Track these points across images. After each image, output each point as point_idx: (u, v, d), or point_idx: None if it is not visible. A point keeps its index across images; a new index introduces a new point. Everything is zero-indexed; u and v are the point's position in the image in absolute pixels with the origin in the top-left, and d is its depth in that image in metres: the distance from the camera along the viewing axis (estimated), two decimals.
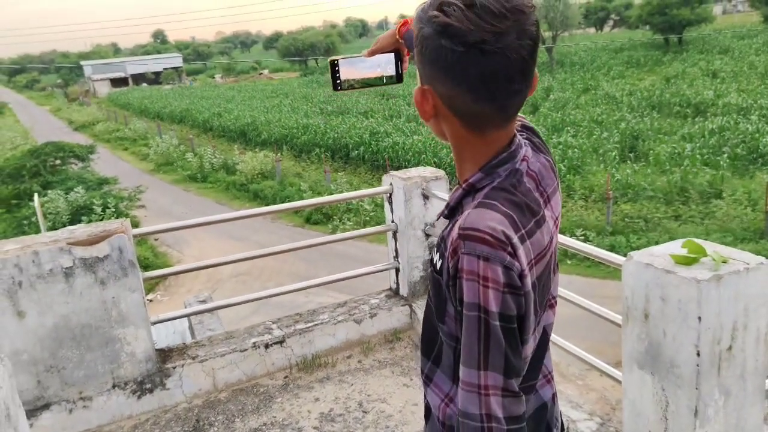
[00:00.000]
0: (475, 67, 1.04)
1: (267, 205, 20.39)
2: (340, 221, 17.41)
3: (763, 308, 1.98)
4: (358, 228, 17.15)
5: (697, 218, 15.02)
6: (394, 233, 3.86)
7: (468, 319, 1.07)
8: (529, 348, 1.17)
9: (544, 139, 1.33)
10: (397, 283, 3.98)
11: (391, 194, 3.80)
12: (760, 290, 1.95)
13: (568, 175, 17.99)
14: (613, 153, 19.42)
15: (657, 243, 13.65)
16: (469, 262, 1.05)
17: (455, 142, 1.20)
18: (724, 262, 1.95)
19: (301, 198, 19.44)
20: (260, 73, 70.92)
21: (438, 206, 3.77)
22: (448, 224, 1.20)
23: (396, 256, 3.92)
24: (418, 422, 3.05)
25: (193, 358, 3.39)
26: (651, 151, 19.12)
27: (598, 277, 13.87)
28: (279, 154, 23.29)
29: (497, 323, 1.05)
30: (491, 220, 1.07)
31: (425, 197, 3.71)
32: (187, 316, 5.13)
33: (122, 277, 3.08)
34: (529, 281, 1.10)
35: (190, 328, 6.97)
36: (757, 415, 2.08)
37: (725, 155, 17.59)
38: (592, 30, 76.04)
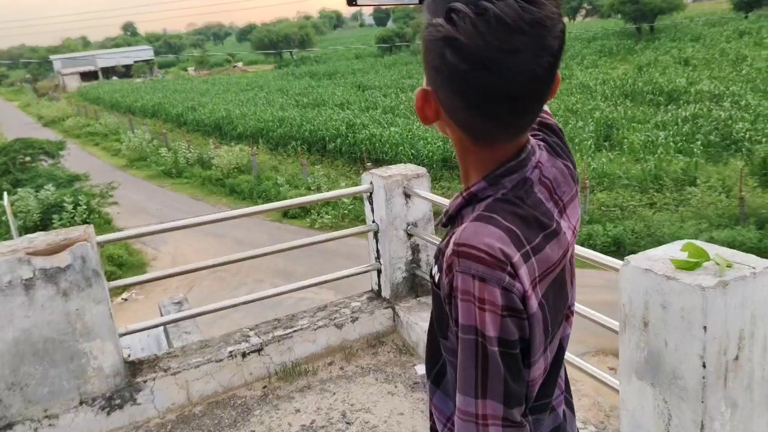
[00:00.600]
0: (480, 86, 0.91)
1: (244, 199, 20.14)
2: (318, 215, 17.22)
3: None
4: (336, 221, 16.99)
5: (672, 205, 15.09)
6: (375, 233, 3.72)
7: (464, 343, 0.97)
8: (539, 369, 1.06)
9: (565, 138, 1.20)
10: (379, 285, 3.84)
11: (371, 193, 3.65)
12: (766, 295, 1.84)
13: None
14: (589, 142, 19.45)
15: (633, 231, 13.77)
16: (464, 281, 0.95)
17: (458, 149, 1.09)
18: (729, 266, 1.83)
19: (278, 192, 19.21)
20: (234, 66, 70.03)
21: (420, 205, 3.63)
22: (446, 235, 1.09)
23: (377, 257, 3.77)
24: None
25: (165, 371, 3.21)
26: (625, 140, 19.17)
27: (576, 267, 13.85)
28: (255, 148, 22.96)
29: (496, 348, 0.94)
30: (489, 236, 0.96)
31: (407, 196, 3.57)
32: (158, 326, 4.94)
33: (86, 288, 2.89)
34: (534, 302, 0.99)
35: (165, 330, 6.77)
36: (765, 426, 1.97)
37: (698, 142, 17.67)
38: (565, 19, 76.28)
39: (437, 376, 1.18)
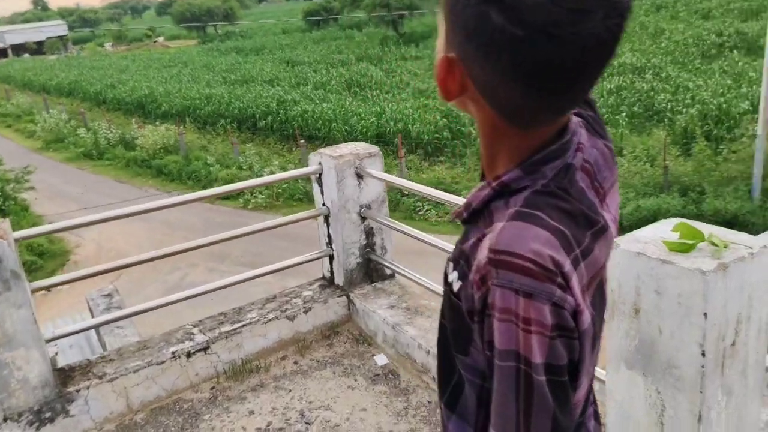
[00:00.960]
0: (535, 57, 0.71)
1: (172, 181, 19.37)
2: (251, 195, 16.74)
3: (766, 296, 1.77)
4: (270, 200, 16.59)
5: None
6: (326, 217, 3.48)
7: (502, 371, 0.79)
8: (583, 389, 0.91)
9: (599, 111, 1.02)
10: (332, 272, 3.62)
11: (320, 174, 3.41)
12: (763, 276, 1.74)
13: (479, 139, 18.14)
14: None
15: None
16: (504, 297, 0.76)
17: (486, 130, 0.89)
18: (725, 247, 1.72)
19: (209, 172, 18.56)
20: (155, 41, 67.15)
21: (373, 186, 3.42)
22: (468, 233, 0.90)
23: (329, 242, 3.55)
24: (368, 430, 2.74)
25: (101, 377, 2.90)
26: None
27: None
28: (182, 127, 22.05)
29: (543, 378, 0.77)
30: (535, 239, 0.77)
31: (359, 177, 3.35)
32: (90, 328, 4.56)
33: (4, 292, 2.55)
34: (587, 317, 0.81)
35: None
36: (757, 410, 1.90)
37: (623, 114, 18.14)
38: None
39: (452, 398, 0.99)
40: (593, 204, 0.88)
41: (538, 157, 0.84)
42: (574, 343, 0.79)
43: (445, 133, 18.25)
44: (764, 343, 1.84)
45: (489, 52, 0.74)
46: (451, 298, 0.90)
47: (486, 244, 0.79)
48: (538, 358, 0.76)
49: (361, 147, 3.44)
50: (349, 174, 3.31)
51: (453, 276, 0.89)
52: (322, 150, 3.42)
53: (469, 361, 0.91)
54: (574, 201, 0.84)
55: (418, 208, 14.94)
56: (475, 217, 0.90)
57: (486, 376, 0.90)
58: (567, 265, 0.77)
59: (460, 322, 0.89)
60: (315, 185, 3.48)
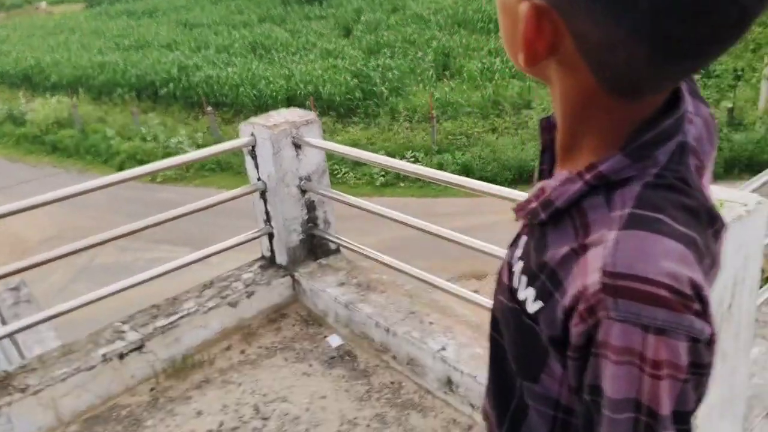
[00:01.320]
0: (693, 7, 0.54)
1: (69, 157, 18.17)
2: None
3: (758, 254, 1.72)
4: (181, 172, 15.82)
5: (512, 129, 15.81)
6: (263, 193, 3.21)
7: (615, 425, 0.61)
8: None
9: None
10: (272, 251, 3.36)
11: (253, 146, 3.12)
12: (757, 234, 1.67)
13: (390, 98, 18.02)
14: (430, 72, 19.65)
15: (480, 157, 14.25)
16: (626, 335, 0.59)
17: (573, 103, 0.68)
18: (721, 205, 1.63)
19: (109, 146, 17.51)
20: (36, 7, 62.06)
21: (312, 156, 3.16)
22: (547, 238, 0.70)
23: (267, 220, 3.28)
24: (332, 421, 2.56)
25: (23, 390, 2.56)
26: (464, 68, 19.58)
27: (430, 197, 14.25)
28: (75, 99, 20.56)
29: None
30: (666, 256, 0.58)
31: (297, 146, 3.08)
32: (8, 336, 4.11)
33: None
34: (717, 344, 0.64)
35: (3, 321, 5.79)
36: (746, 369, 1.86)
37: None
38: None
39: (512, 428, 0.81)
40: (705, 192, 0.70)
41: (649, 137, 0.65)
42: (704, 380, 0.62)
43: (356, 94, 17.98)
44: (754, 301, 1.79)
45: (617, 0, 0.55)
46: (521, 319, 0.71)
47: (595, 263, 0.60)
48: (666, 408, 0.59)
49: (296, 114, 3.16)
50: (286, 144, 3.04)
51: (527, 293, 0.70)
52: (253, 119, 3.13)
53: (539, 389, 0.74)
54: (696, 194, 0.65)
55: (336, 172, 14.69)
56: (559, 218, 0.69)
57: (560, 405, 0.73)
58: (705, 287, 0.60)
59: (532, 347, 0.71)
60: (248, 158, 3.19)
